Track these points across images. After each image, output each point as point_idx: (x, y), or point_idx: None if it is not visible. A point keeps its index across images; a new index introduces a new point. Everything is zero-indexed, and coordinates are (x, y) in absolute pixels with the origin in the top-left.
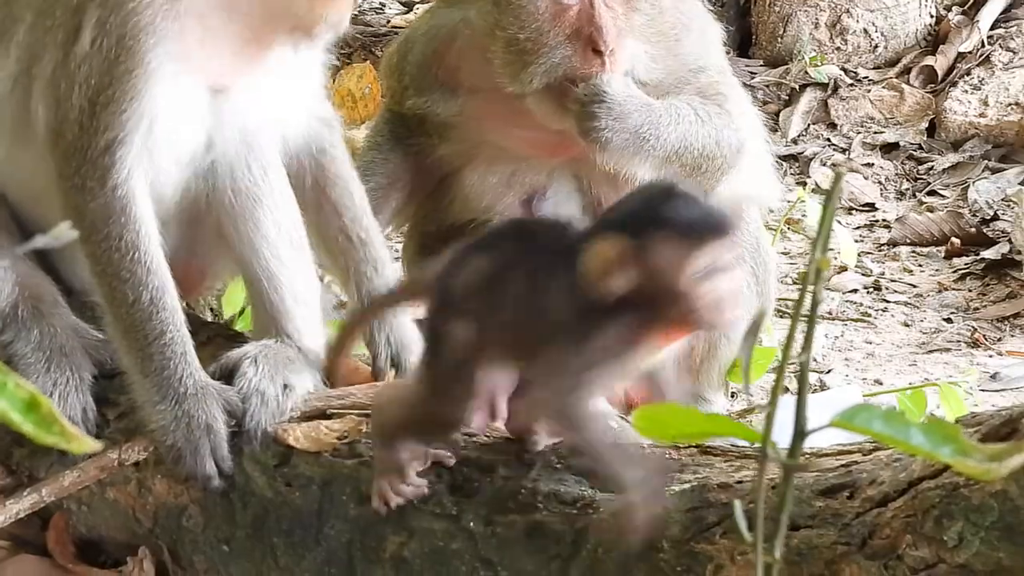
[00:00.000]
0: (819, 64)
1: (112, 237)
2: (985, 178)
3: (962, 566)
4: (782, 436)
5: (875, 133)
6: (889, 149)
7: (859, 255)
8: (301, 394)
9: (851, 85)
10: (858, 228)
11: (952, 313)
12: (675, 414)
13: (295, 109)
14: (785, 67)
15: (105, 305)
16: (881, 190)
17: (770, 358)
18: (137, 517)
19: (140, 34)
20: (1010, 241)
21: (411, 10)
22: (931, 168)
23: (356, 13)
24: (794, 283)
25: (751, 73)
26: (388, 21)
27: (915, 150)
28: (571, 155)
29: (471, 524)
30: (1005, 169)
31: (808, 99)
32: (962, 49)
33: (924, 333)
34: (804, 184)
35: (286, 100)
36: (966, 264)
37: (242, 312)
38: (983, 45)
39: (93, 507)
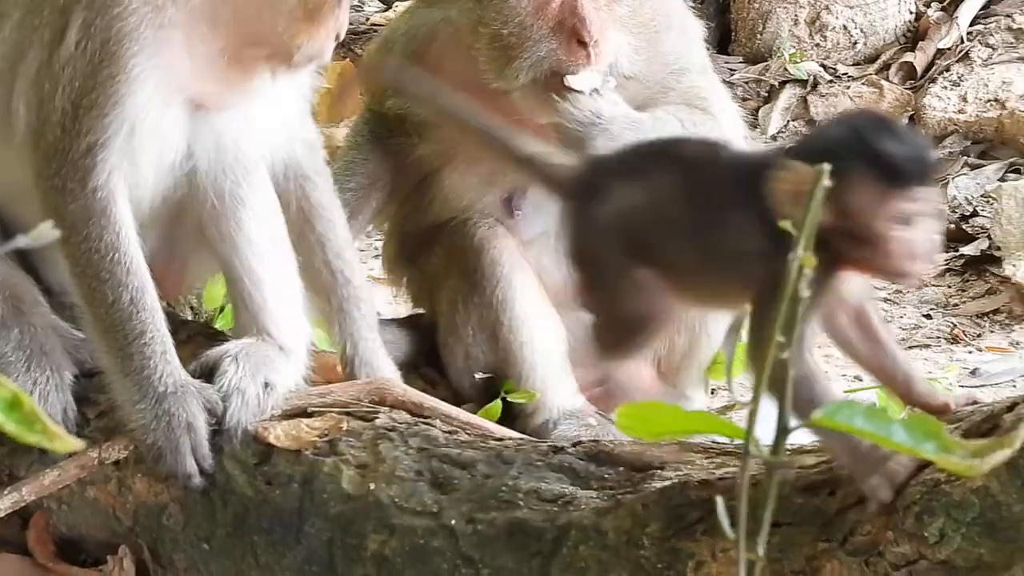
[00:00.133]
0: (798, 61)
1: (92, 238)
2: (964, 174)
3: (943, 562)
4: (763, 432)
5: None
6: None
7: None
8: (282, 392)
9: (830, 82)
10: None
11: (932, 309)
12: (658, 412)
13: (279, 130)
14: (764, 64)
15: (85, 305)
16: None
17: None
18: (117, 516)
19: (124, 40)
20: (989, 237)
21: (390, 7)
22: None
23: None
24: None
25: (730, 70)
26: (367, 19)
27: None
28: None
29: (452, 521)
30: (984, 165)
31: (787, 96)
32: (941, 45)
33: (904, 329)
34: None
35: (270, 120)
36: (945, 260)
37: (222, 310)
38: (962, 41)
39: (73, 506)
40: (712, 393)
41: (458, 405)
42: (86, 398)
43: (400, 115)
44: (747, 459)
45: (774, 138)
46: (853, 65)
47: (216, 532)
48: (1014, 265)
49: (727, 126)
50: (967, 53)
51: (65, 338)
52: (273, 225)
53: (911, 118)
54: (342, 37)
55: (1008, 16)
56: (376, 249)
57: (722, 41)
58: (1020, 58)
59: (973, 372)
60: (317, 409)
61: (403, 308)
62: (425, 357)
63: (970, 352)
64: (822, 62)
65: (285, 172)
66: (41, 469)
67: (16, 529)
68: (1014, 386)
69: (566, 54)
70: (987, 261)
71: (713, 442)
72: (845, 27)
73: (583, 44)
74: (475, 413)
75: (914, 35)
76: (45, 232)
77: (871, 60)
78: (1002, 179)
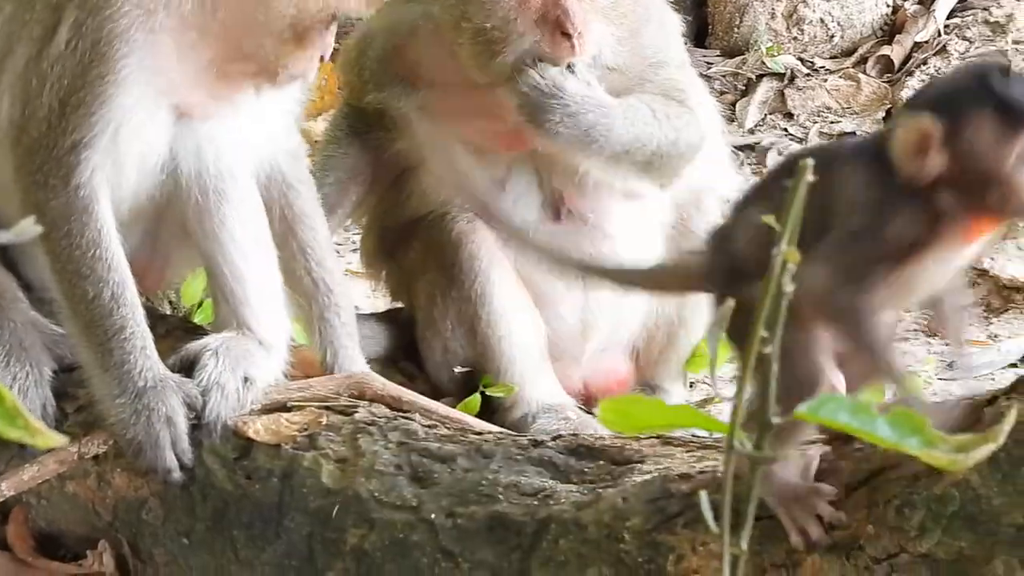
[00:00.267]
0: (775, 54)
1: (73, 235)
2: None
3: (924, 555)
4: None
5: (832, 123)
6: (846, 139)
7: None
8: (262, 387)
9: (808, 75)
10: None
11: None
12: (640, 406)
13: (263, 143)
14: (742, 57)
15: (64, 301)
16: None
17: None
18: (97, 510)
19: (115, 41)
20: None
21: None
22: None
23: None
24: None
25: (707, 63)
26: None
27: None
28: (529, 148)
29: (432, 516)
30: None
31: (765, 89)
32: (918, 39)
33: None
34: (761, 174)
35: (254, 132)
36: None
37: (200, 305)
38: (939, 35)
39: (52, 501)
40: (691, 386)
41: (437, 399)
42: (65, 393)
43: (379, 110)
44: (731, 453)
45: (751, 131)
46: (830, 58)
47: (196, 526)
48: (992, 258)
49: (704, 120)
50: (944, 46)
51: (44, 333)
52: (255, 223)
53: (889, 111)
54: (327, 59)
55: (985, 9)
56: (354, 243)
57: (699, 35)
58: (997, 51)
59: (950, 365)
60: (297, 403)
61: (381, 302)
62: (404, 351)
63: (947, 344)
64: (799, 55)
65: (269, 181)
66: (20, 464)
67: None
68: (992, 379)
69: (550, 46)
70: None
71: (693, 436)
72: (822, 20)
73: (567, 36)
74: (454, 407)
75: (891, 28)
76: (27, 228)
77: (848, 53)
78: None
